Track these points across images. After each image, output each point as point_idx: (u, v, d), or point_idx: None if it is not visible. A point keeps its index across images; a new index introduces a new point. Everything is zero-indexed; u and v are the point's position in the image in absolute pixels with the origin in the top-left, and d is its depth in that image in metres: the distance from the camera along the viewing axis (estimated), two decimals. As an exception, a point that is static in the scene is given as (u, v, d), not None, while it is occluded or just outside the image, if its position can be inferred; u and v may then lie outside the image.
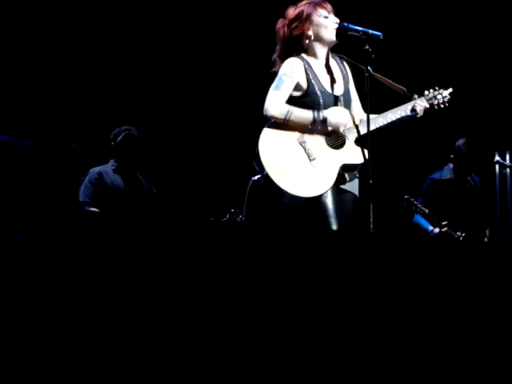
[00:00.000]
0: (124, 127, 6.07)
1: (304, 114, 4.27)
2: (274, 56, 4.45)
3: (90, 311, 2.49)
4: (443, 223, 6.26)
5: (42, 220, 2.50)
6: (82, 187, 5.91)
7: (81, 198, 5.86)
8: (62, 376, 2.42)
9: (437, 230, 6.30)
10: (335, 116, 4.30)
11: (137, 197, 6.01)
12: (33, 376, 2.39)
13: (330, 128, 4.30)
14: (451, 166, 6.57)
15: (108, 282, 2.54)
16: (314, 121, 4.27)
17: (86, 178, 5.95)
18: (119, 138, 6.02)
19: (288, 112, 4.25)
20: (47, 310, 2.44)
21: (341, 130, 4.33)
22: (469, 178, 6.58)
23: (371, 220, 4.14)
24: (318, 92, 4.36)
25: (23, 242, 2.43)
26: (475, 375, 2.95)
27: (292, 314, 2.75)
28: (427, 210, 6.28)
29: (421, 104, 4.47)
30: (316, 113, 4.27)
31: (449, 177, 6.53)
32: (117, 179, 6.02)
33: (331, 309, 2.82)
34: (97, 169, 6.02)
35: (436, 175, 6.57)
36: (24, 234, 2.45)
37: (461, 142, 6.50)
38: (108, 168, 6.06)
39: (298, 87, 4.35)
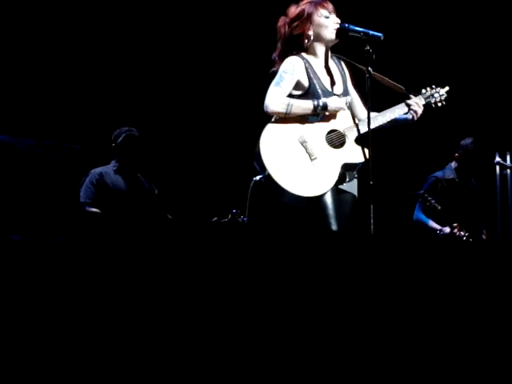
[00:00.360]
0: (125, 128, 6.08)
1: (304, 104, 4.30)
2: (274, 55, 4.46)
3: (90, 311, 2.49)
4: (454, 224, 6.22)
5: (42, 220, 2.50)
6: (83, 188, 5.92)
7: (81, 199, 5.86)
8: (62, 376, 2.42)
9: (447, 230, 6.27)
10: (334, 101, 4.32)
11: (138, 197, 6.01)
12: (33, 376, 2.39)
13: (330, 112, 4.31)
14: (453, 165, 6.55)
15: (108, 282, 2.54)
16: (315, 108, 4.29)
17: (87, 179, 5.96)
18: (120, 139, 6.02)
19: (289, 105, 4.27)
20: (47, 309, 2.44)
21: (345, 124, 4.33)
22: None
23: (372, 221, 4.14)
24: (319, 90, 4.37)
25: (24, 242, 2.44)
26: (475, 375, 2.95)
27: (293, 314, 2.75)
28: (439, 207, 6.25)
29: (418, 102, 4.47)
30: (315, 100, 4.29)
31: (452, 176, 6.51)
32: (118, 180, 6.03)
33: (332, 309, 2.82)
34: (98, 169, 6.02)
35: (438, 174, 6.55)
36: (25, 234, 2.45)
37: (468, 141, 6.49)
38: (109, 169, 6.06)
39: (298, 86, 4.36)
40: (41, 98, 6.54)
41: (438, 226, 6.35)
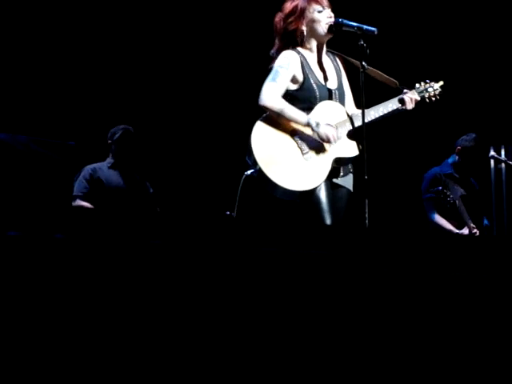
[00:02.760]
0: (121, 126, 6.14)
1: (298, 115, 4.28)
2: (272, 51, 4.47)
3: (86, 307, 2.50)
4: (472, 225, 6.15)
5: (38, 216, 2.51)
6: (77, 182, 5.99)
7: (74, 192, 5.92)
8: (61, 374, 2.42)
9: (466, 231, 6.17)
10: (327, 128, 4.30)
11: (131, 193, 6.04)
12: (31, 374, 2.40)
13: (318, 134, 4.29)
14: (450, 161, 6.47)
15: (104, 277, 2.54)
16: (308, 122, 4.27)
17: (81, 174, 6.02)
18: (117, 135, 6.07)
19: (283, 109, 4.26)
20: (44, 304, 2.45)
21: (331, 141, 4.30)
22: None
23: (367, 215, 4.15)
24: (314, 85, 4.38)
25: (20, 238, 2.44)
26: (475, 373, 2.95)
27: (288, 309, 2.76)
28: (458, 203, 6.15)
29: (412, 97, 4.48)
30: (310, 119, 4.29)
31: (450, 171, 6.42)
32: (111, 175, 6.06)
33: (327, 304, 2.82)
34: (91, 165, 6.08)
35: (435, 170, 6.45)
36: (21, 230, 2.45)
37: (470, 137, 6.41)
38: (103, 165, 6.10)
39: (293, 80, 4.37)
40: (36, 94, 6.54)
41: (454, 229, 6.23)
